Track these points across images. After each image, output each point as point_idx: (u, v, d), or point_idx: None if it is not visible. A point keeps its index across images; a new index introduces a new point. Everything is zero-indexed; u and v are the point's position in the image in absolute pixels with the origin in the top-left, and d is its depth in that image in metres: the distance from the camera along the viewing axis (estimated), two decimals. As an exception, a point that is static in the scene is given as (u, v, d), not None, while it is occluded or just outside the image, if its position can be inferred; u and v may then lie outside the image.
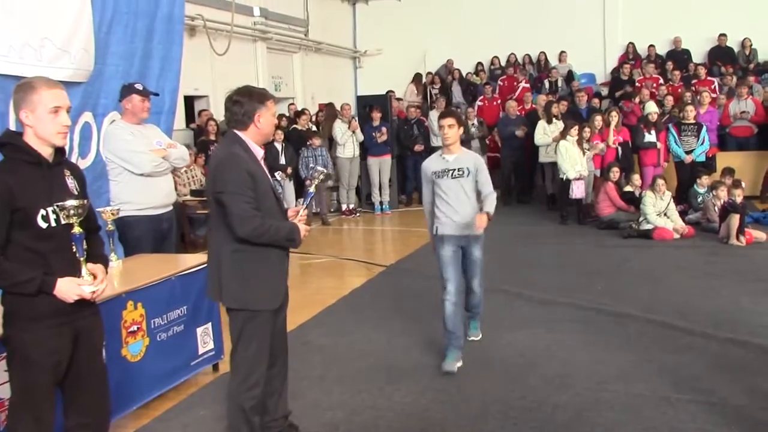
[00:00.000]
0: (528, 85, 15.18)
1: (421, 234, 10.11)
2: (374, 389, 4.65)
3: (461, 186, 4.93)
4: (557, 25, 15.80)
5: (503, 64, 16.48)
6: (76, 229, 2.84)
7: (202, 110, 11.70)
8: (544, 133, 11.67)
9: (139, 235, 5.20)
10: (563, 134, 10.62)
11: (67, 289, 2.82)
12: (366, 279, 7.81)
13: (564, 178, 10.36)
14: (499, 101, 14.73)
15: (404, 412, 4.29)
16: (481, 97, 15.00)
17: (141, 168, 5.13)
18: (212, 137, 10.65)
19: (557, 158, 10.51)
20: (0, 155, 2.90)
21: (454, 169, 4.94)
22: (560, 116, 11.77)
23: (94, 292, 2.90)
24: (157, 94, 5.63)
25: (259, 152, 3.52)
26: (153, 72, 7.19)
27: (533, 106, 13.26)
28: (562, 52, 15.94)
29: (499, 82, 15.65)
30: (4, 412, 3.28)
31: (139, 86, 5.35)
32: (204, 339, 4.83)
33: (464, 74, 16.39)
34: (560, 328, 5.71)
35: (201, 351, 4.82)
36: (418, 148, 12.95)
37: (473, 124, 13.47)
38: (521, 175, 12.89)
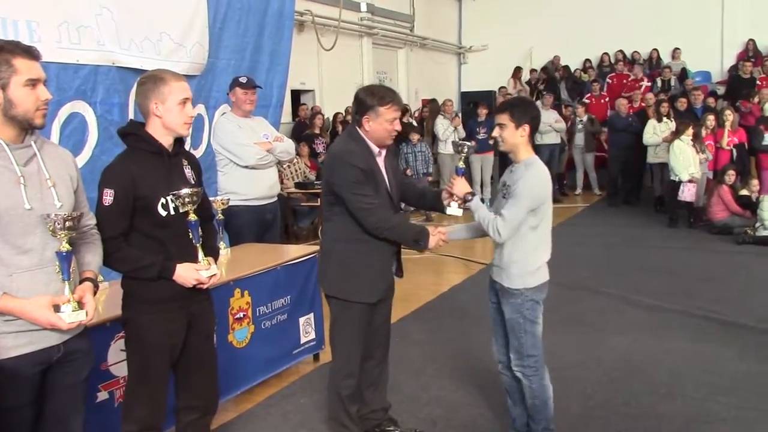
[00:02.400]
0: (649, 84, 14.66)
1: (523, 233, 9.98)
2: (472, 387, 4.61)
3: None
4: (671, 20, 15.22)
5: (612, 60, 16.01)
6: (192, 216, 2.92)
7: (301, 104, 11.91)
8: (654, 132, 11.27)
9: (243, 225, 5.33)
10: (677, 134, 10.20)
11: (186, 273, 2.91)
12: (465, 276, 7.76)
13: (677, 180, 9.95)
14: (607, 99, 14.35)
15: (503, 412, 4.22)
16: (589, 94, 14.65)
17: (245, 160, 5.25)
18: (317, 131, 10.85)
19: (670, 159, 10.09)
20: (124, 145, 3.03)
21: (506, 185, 3.47)
22: (671, 115, 11.34)
23: (211, 276, 2.99)
24: (260, 87, 5.73)
25: (375, 149, 3.53)
26: (262, 66, 7.38)
27: (642, 104, 12.84)
28: (676, 48, 15.33)
29: (608, 80, 15.22)
30: (120, 389, 3.44)
31: (243, 79, 5.46)
32: (306, 329, 4.91)
33: (572, 71, 16.03)
34: (667, 334, 5.49)
35: (303, 340, 4.91)
36: (522, 145, 12.74)
37: (581, 120, 13.19)
38: (629, 176, 12.49)
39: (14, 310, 2.33)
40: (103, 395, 3.42)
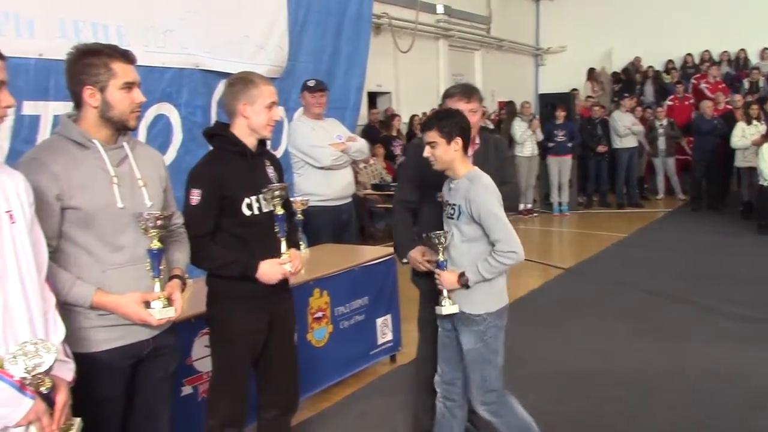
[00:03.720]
0: (725, 85, 14.18)
1: (602, 238, 9.79)
2: (551, 394, 4.52)
3: (453, 231, 3.16)
4: (759, 19, 14.64)
5: (697, 61, 15.53)
6: (279, 210, 2.96)
7: (373, 110, 11.98)
8: (743, 135, 10.85)
9: (320, 225, 5.36)
10: (767, 137, 9.80)
11: (270, 270, 2.93)
12: (543, 281, 7.64)
13: (766, 184, 9.55)
14: (691, 101, 13.91)
15: (582, 421, 4.13)
16: (672, 96, 14.23)
17: (321, 162, 5.29)
18: (394, 133, 10.90)
19: (758, 162, 9.69)
20: (207, 145, 3.09)
21: (449, 204, 3.20)
22: (761, 118, 10.91)
23: (292, 270, 3.01)
24: (327, 90, 5.67)
25: None
26: (340, 69, 7.44)
27: (727, 106, 12.38)
28: (765, 49, 14.76)
29: (692, 81, 14.75)
30: (204, 384, 3.51)
31: (311, 82, 5.50)
32: (383, 330, 4.92)
33: (657, 72, 15.62)
34: (758, 345, 5.25)
35: (380, 341, 4.90)
36: (602, 148, 12.50)
37: (661, 124, 12.83)
38: (713, 180, 12.06)
39: (108, 306, 2.40)
40: (187, 389, 3.49)
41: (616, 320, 6.00)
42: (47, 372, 1.91)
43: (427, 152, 3.12)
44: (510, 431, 3.26)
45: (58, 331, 2.17)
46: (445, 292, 3.14)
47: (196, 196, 2.86)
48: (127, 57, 2.47)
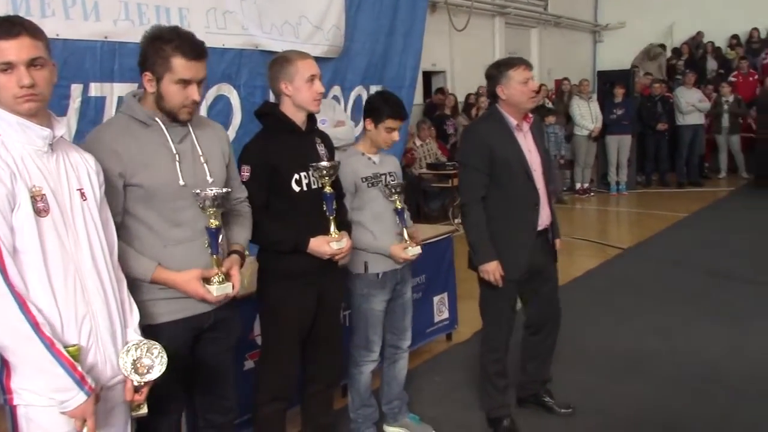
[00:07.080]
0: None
1: (661, 217, 9.61)
2: (609, 374, 4.50)
3: (388, 198, 3.47)
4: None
5: (763, 36, 15.00)
6: (327, 189, 3.00)
7: (438, 88, 11.93)
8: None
9: None
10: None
11: (319, 246, 2.98)
12: (600, 261, 7.55)
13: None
14: (756, 77, 13.47)
15: (641, 402, 4.10)
16: (735, 72, 13.81)
17: None
18: (447, 112, 10.84)
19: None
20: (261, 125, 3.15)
21: (385, 174, 3.50)
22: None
23: (341, 249, 3.03)
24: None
25: (512, 122, 3.53)
26: (396, 48, 7.39)
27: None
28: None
29: (764, 56, 14.22)
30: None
31: None
32: (440, 308, 4.94)
33: (720, 48, 15.14)
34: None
35: (436, 319, 4.94)
36: (662, 126, 12.24)
37: (727, 101, 12.48)
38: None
39: (167, 282, 2.45)
40: (249, 363, 3.57)
41: (676, 301, 5.91)
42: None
43: (396, 136, 3.43)
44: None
45: (134, 313, 2.26)
46: (406, 235, 3.47)
47: (246, 173, 2.92)
48: (191, 54, 2.41)
